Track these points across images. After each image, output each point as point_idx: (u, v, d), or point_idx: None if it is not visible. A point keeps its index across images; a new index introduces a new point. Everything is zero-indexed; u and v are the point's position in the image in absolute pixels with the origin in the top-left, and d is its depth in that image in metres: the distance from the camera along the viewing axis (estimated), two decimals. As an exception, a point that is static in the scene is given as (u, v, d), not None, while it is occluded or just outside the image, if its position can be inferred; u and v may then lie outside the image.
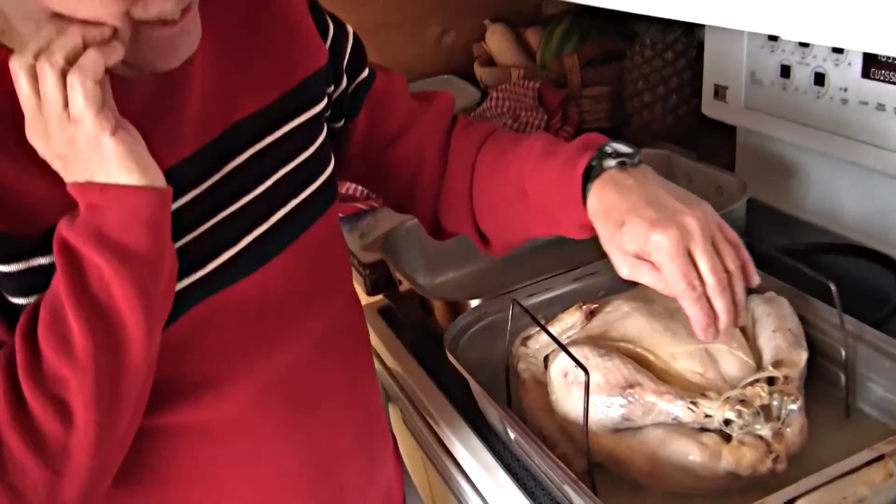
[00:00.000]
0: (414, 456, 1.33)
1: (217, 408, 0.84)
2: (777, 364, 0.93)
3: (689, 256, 0.79)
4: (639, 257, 0.81)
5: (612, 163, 0.86)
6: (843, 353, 0.95)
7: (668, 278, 0.79)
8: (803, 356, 0.94)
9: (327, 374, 0.93)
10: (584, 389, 0.86)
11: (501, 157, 0.98)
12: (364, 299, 1.51)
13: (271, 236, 0.86)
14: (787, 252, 1.33)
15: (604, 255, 0.86)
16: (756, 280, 0.83)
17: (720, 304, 0.80)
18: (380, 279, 1.45)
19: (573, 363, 0.91)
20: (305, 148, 0.90)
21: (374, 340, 1.39)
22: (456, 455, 1.14)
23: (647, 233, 0.79)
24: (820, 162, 1.37)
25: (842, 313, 0.94)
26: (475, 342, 1.14)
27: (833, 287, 0.93)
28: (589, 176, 0.86)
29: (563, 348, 0.91)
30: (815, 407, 0.95)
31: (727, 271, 0.80)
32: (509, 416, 0.96)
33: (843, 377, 0.96)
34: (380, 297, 1.48)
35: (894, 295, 1.18)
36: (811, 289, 1.02)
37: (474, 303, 1.21)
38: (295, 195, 0.88)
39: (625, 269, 0.83)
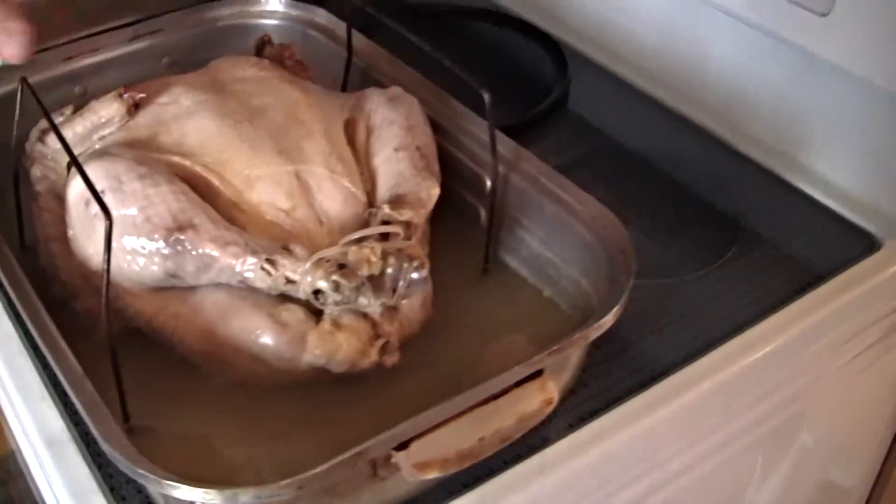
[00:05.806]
0: None
1: None
2: (397, 202, 0.64)
3: None
4: None
5: None
6: (489, 185, 0.68)
7: None
8: (434, 192, 0.66)
9: None
10: (105, 239, 0.53)
11: None
12: None
13: None
14: (419, 12, 1.05)
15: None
16: None
17: None
18: None
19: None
20: None
21: None
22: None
23: None
24: None
25: (494, 130, 0.66)
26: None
27: (486, 96, 0.64)
28: None
29: (77, 164, 0.57)
30: (443, 253, 0.69)
31: None
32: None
33: (483, 217, 0.70)
34: None
35: (555, 86, 0.93)
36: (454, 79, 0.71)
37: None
38: None
39: None
